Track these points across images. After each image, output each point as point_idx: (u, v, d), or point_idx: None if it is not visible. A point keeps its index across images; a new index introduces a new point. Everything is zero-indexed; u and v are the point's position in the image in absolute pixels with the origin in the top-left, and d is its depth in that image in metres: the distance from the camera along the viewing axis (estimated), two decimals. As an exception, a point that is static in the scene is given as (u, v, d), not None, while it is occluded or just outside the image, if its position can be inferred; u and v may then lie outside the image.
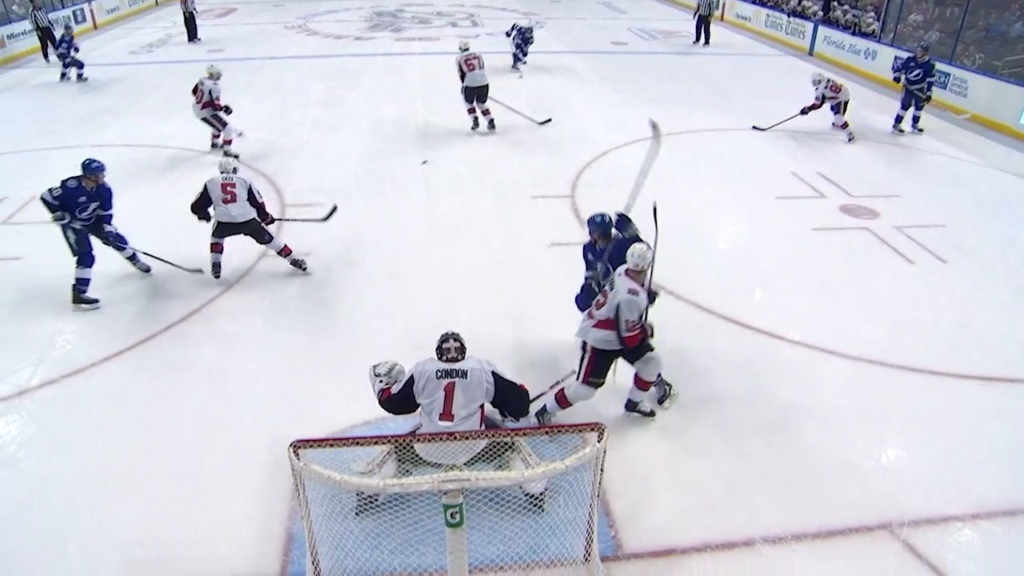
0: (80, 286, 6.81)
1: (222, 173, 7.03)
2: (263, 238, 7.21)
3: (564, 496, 3.84)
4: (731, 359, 6.04)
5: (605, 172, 10.07)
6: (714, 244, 8.23)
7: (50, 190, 6.63)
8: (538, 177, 9.92)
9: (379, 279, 7.40)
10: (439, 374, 4.34)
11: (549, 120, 11.85)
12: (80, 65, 15.36)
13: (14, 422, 5.39)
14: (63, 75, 15.44)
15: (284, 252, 7.34)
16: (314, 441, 3.47)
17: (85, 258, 6.81)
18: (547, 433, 3.57)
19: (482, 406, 4.41)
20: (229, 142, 10.70)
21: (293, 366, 6.02)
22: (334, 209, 7.72)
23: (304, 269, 7.39)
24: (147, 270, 7.35)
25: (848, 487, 4.78)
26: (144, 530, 4.42)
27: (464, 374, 4.35)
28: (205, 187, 7.00)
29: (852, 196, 9.48)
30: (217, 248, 7.18)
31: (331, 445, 3.64)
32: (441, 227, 8.52)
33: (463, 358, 4.45)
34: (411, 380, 4.39)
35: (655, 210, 4.91)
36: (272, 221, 7.37)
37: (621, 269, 5.01)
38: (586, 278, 5.78)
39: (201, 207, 7.09)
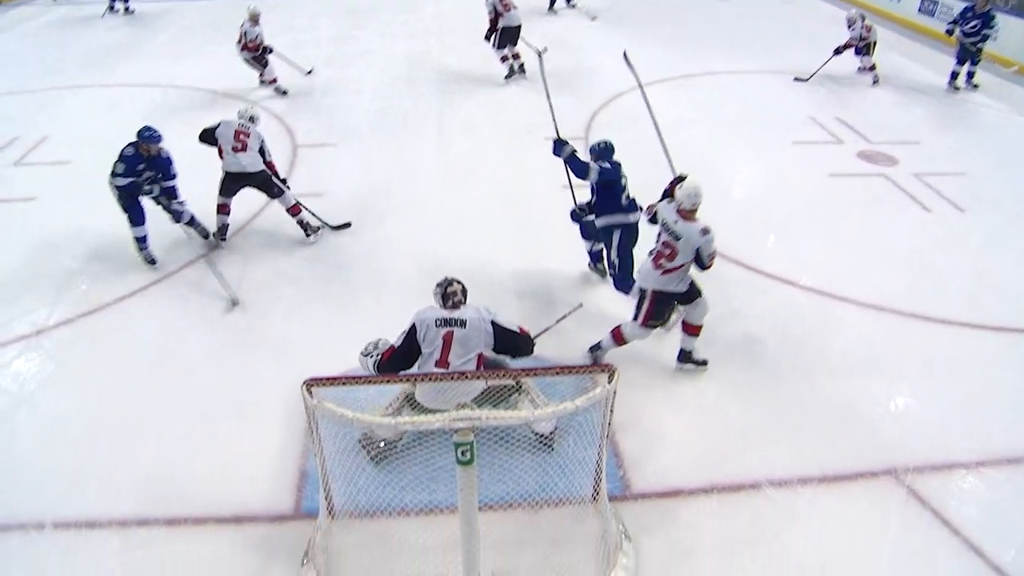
0: (139, 244, 6.59)
1: (239, 120, 6.84)
2: (273, 191, 6.94)
3: (574, 436, 3.91)
4: (743, 304, 6.05)
5: (620, 114, 9.94)
6: (728, 188, 8.15)
7: (113, 171, 6.29)
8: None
9: (391, 220, 7.41)
10: (438, 323, 4.36)
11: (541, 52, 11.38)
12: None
13: (33, 361, 5.49)
14: (111, 7, 15.39)
15: (293, 210, 7.00)
16: (327, 379, 3.52)
17: (132, 216, 6.49)
18: (557, 373, 3.60)
19: (480, 354, 4.45)
20: (274, 81, 10.65)
21: (306, 307, 6.08)
22: (346, 224, 7.26)
23: (309, 235, 7.00)
24: (206, 236, 6.92)
25: (856, 433, 4.84)
26: (161, 467, 4.54)
27: (463, 323, 4.37)
28: (219, 125, 6.83)
29: (871, 142, 9.33)
30: (224, 209, 6.89)
31: (344, 383, 3.70)
32: (454, 168, 8.48)
33: (465, 303, 4.47)
34: (413, 329, 4.39)
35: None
36: (284, 182, 7.04)
37: (672, 212, 4.98)
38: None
39: (209, 137, 6.85)
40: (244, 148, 6.73)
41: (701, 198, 4.91)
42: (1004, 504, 4.36)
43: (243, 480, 4.43)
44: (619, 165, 5.83)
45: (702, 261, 4.93)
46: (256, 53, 10.44)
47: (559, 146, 5.95)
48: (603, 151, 5.82)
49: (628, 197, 5.85)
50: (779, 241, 7.06)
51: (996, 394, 5.22)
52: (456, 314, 4.39)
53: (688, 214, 4.91)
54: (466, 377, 3.70)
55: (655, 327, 5.29)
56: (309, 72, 11.26)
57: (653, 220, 5.18)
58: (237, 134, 6.74)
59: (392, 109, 10.20)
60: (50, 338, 5.72)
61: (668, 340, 5.57)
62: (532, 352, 4.63)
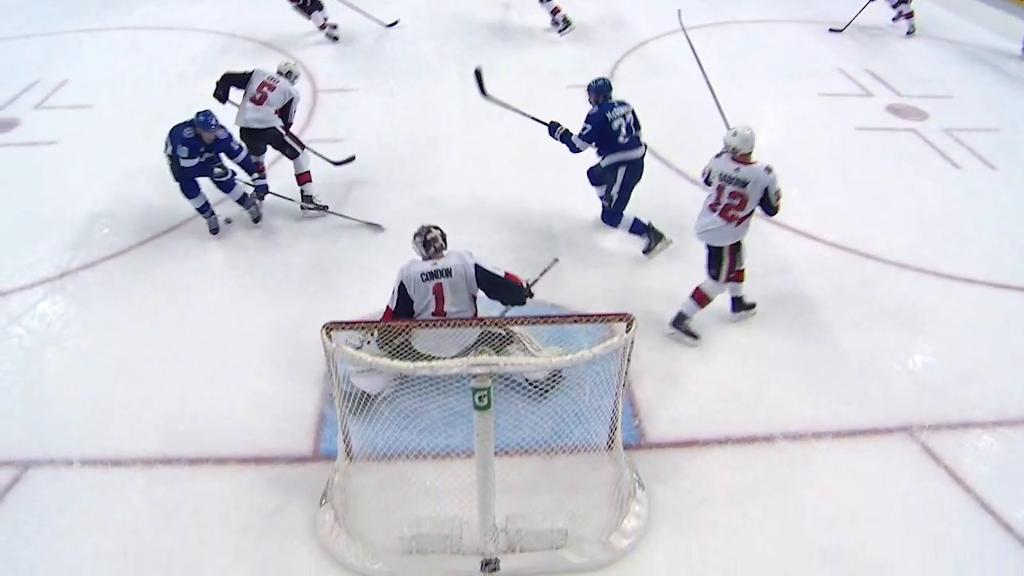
0: (202, 213, 6.26)
1: (277, 72, 6.54)
2: (286, 151, 6.56)
3: (590, 384, 3.95)
4: (763, 257, 6.02)
5: (644, 62, 9.78)
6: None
7: (175, 153, 5.92)
8: (576, 65, 9.64)
9: (412, 163, 7.41)
10: (424, 277, 4.39)
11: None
12: None
13: (58, 302, 5.60)
14: None
15: (302, 178, 6.62)
16: (346, 323, 3.57)
17: (184, 189, 6.12)
18: (575, 321, 3.63)
19: (474, 297, 4.50)
20: (323, 26, 10.40)
21: (326, 248, 6.15)
22: (351, 158, 7.10)
23: (307, 207, 6.55)
24: (257, 220, 6.47)
25: (872, 388, 4.85)
26: (182, 406, 4.66)
27: (448, 272, 4.40)
28: (251, 73, 6.50)
29: (901, 96, 9.14)
30: (258, 168, 6.47)
31: (363, 327, 3.75)
32: (475, 112, 8.41)
33: (446, 249, 4.49)
34: (402, 286, 4.42)
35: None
36: (302, 146, 6.65)
37: (729, 163, 4.99)
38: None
39: (226, 86, 6.61)
40: (262, 101, 6.36)
41: (753, 144, 4.96)
42: (1019, 464, 4.37)
43: (264, 421, 4.54)
44: (613, 105, 5.86)
45: (769, 202, 4.96)
46: (297, 2, 10.23)
47: (552, 129, 6.07)
48: (600, 88, 5.92)
49: (631, 134, 5.88)
50: (803, 195, 6.96)
51: (1016, 355, 5.20)
52: (440, 264, 4.41)
53: (745, 158, 4.97)
54: (483, 323, 3.73)
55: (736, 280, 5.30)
56: (393, 24, 10.83)
57: (708, 181, 5.15)
58: (262, 85, 6.39)
59: (415, 52, 10.09)
60: (74, 280, 5.82)
61: (681, 287, 5.58)
62: (525, 301, 4.62)
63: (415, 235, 4.53)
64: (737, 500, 4.09)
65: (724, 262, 5.13)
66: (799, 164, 7.53)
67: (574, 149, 5.94)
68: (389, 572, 3.68)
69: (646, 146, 5.91)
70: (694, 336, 5.18)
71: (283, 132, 6.50)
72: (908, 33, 11.07)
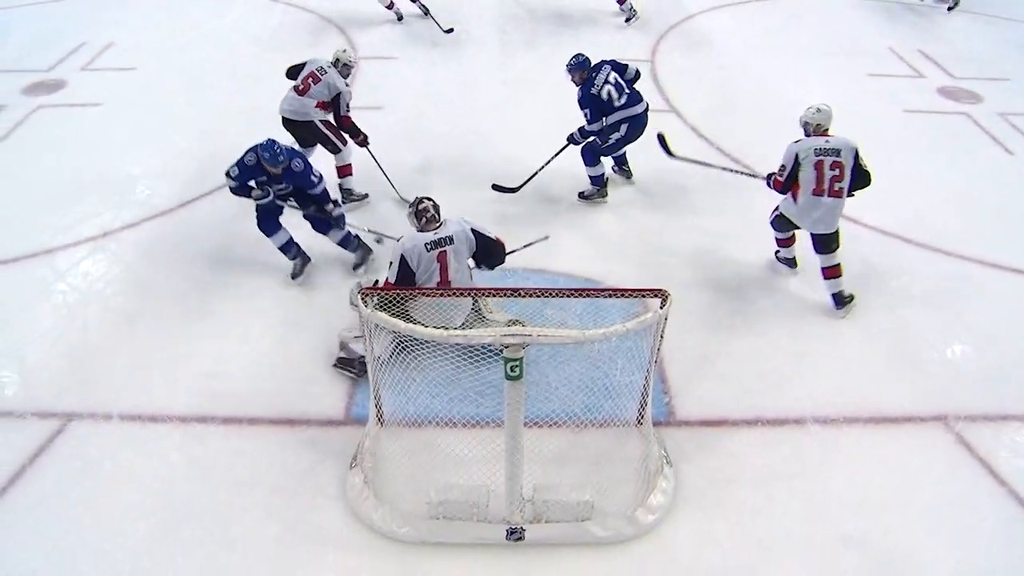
0: (284, 252, 5.49)
1: (333, 61, 6.17)
2: (328, 146, 6.26)
3: (623, 360, 3.97)
4: (803, 237, 5.96)
5: (688, 37, 9.65)
6: (794, 120, 7.90)
7: (228, 172, 5.28)
8: (619, 39, 9.56)
9: (451, 136, 7.42)
10: (429, 246, 4.46)
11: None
12: None
13: (101, 261, 5.75)
14: None
15: (342, 171, 6.35)
16: (381, 289, 3.63)
17: (261, 223, 5.40)
18: (610, 295, 3.65)
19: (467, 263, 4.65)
20: (391, 5, 10.12)
21: (360, 213, 6.22)
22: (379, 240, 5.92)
23: (344, 203, 6.12)
24: (357, 267, 5.65)
25: (908, 375, 4.81)
26: (218, 365, 4.79)
27: (450, 239, 4.49)
28: (307, 62, 6.21)
29: (954, 77, 8.90)
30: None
31: (397, 293, 3.80)
32: (516, 83, 8.41)
33: (440, 220, 4.57)
34: (403, 260, 4.46)
35: None
36: (344, 142, 6.24)
37: (817, 139, 5.08)
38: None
39: (293, 75, 6.27)
40: (304, 91, 6.03)
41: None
42: (1057, 458, 4.32)
43: (296, 383, 4.66)
44: (593, 78, 5.94)
45: (861, 167, 5.05)
46: None
47: (574, 141, 6.20)
48: (578, 65, 6.03)
49: (624, 91, 5.96)
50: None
51: (1058, 345, 5.11)
52: (442, 233, 4.50)
53: (826, 132, 5.12)
54: (520, 294, 3.76)
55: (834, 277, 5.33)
56: (449, 31, 9.82)
57: (792, 171, 5.11)
58: (309, 75, 6.06)
59: (454, 21, 10.05)
60: (116, 240, 5.96)
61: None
62: (504, 262, 4.79)
63: (409, 205, 4.64)
64: (764, 481, 4.11)
65: (839, 237, 5.19)
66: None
67: (592, 134, 6.03)
68: (416, 536, 3.77)
69: (647, 106, 6.04)
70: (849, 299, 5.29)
71: (322, 126, 6.17)
72: (949, 8, 10.68)
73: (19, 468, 4.13)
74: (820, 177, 4.98)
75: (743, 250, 5.82)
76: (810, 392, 4.65)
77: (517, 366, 3.17)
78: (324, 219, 5.45)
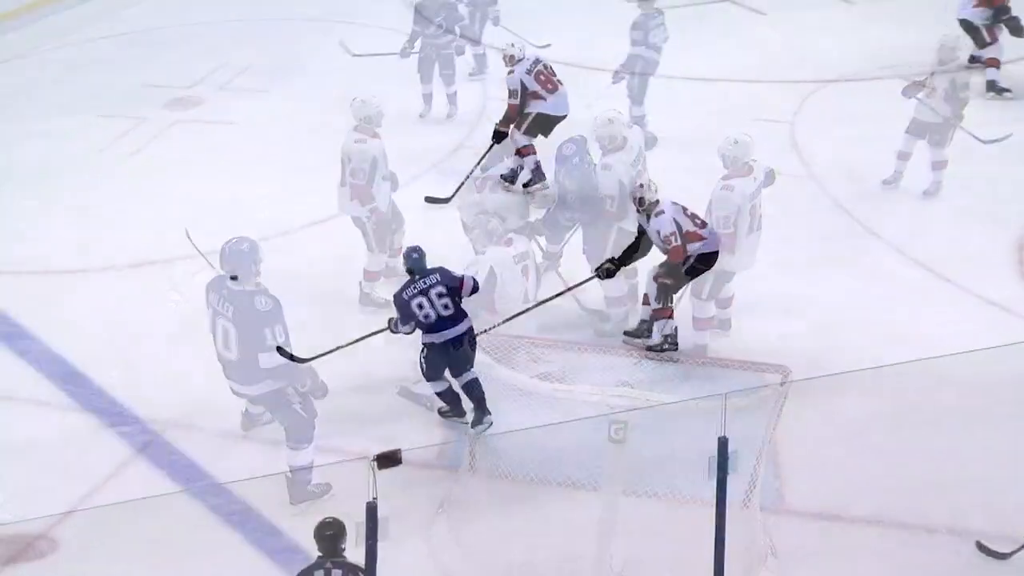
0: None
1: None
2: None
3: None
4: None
5: (837, 104, 9.35)
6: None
7: None
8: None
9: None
10: (517, 259, 4.56)
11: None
12: None
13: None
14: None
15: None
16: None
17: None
18: (726, 366, 3.57)
19: None
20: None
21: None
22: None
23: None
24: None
25: None
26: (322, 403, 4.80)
27: (527, 254, 4.67)
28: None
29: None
30: None
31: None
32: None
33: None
34: (492, 276, 4.46)
35: None
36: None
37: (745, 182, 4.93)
38: None
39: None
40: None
41: None
42: None
43: (392, 423, 4.78)
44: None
45: None
46: None
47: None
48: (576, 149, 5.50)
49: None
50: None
51: None
52: (518, 248, 4.71)
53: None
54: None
55: None
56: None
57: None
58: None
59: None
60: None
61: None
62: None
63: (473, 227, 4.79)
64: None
65: None
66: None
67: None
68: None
69: None
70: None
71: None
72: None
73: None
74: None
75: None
76: (947, 499, 4.25)
77: (622, 429, 3.13)
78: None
